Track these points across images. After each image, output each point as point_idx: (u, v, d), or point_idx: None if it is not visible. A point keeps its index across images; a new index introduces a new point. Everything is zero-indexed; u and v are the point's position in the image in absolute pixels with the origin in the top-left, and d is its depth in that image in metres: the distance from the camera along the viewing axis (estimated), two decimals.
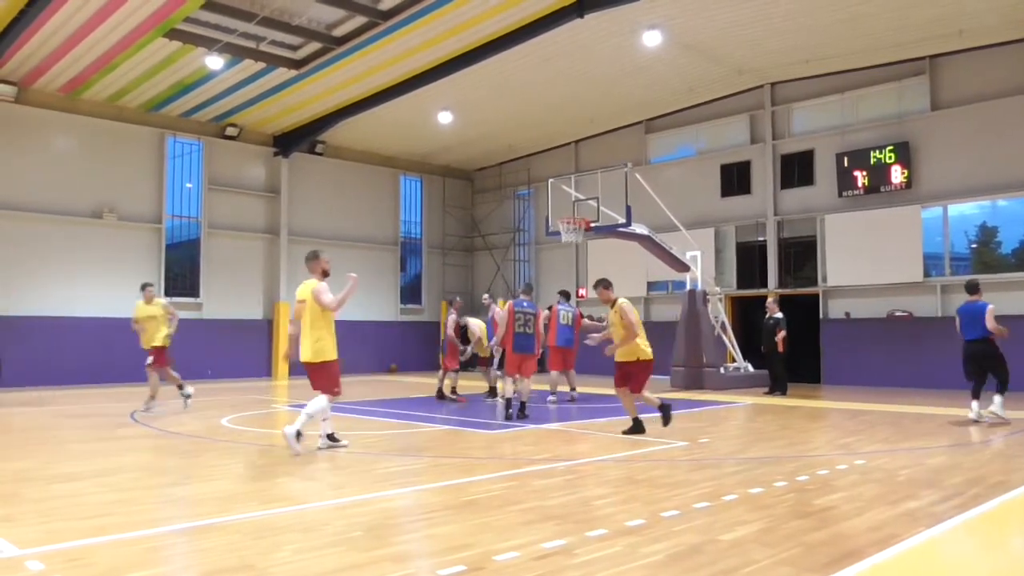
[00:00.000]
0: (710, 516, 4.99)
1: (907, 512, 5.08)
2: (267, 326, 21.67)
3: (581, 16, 14.76)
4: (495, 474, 6.55)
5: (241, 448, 8.31)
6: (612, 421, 10.35)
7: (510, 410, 10.58)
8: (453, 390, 13.74)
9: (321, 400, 7.66)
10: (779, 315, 14.90)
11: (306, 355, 7.74)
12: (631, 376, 8.78)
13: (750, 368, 17.07)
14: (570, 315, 13.82)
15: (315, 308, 7.69)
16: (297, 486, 6.26)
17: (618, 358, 8.85)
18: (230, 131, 20.89)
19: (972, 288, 10.57)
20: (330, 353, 7.76)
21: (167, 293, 19.84)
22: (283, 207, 21.94)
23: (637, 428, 8.87)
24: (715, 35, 16.49)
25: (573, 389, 13.84)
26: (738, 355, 17.41)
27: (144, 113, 19.60)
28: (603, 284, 9.19)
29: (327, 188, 23.16)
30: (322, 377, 7.78)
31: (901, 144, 17.20)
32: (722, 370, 16.61)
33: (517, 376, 10.94)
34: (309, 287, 7.81)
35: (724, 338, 17.48)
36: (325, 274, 7.97)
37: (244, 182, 21.60)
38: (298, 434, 7.39)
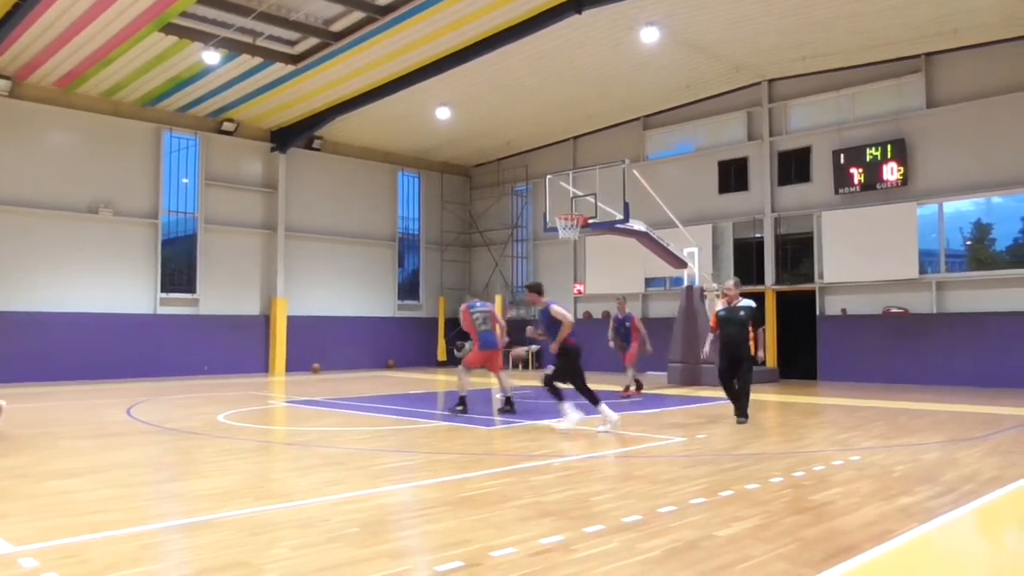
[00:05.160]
0: (707, 512, 4.99)
1: (902, 508, 5.09)
2: (264, 322, 21.64)
3: (579, 12, 14.75)
4: (492, 470, 6.55)
5: (237, 444, 8.30)
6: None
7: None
8: (637, 384, 13.74)
9: None
10: (750, 303, 10.16)
11: None
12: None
13: None
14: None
15: None
16: (293, 482, 6.26)
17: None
18: (227, 126, 20.84)
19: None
20: None
21: (164, 289, 19.82)
22: (281, 203, 21.90)
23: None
24: (713, 32, 16.48)
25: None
26: None
27: (140, 108, 19.54)
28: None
29: (325, 184, 23.11)
30: None
31: (897, 141, 17.21)
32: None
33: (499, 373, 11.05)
34: None
35: None
36: None
37: (241, 177, 21.55)
38: None
